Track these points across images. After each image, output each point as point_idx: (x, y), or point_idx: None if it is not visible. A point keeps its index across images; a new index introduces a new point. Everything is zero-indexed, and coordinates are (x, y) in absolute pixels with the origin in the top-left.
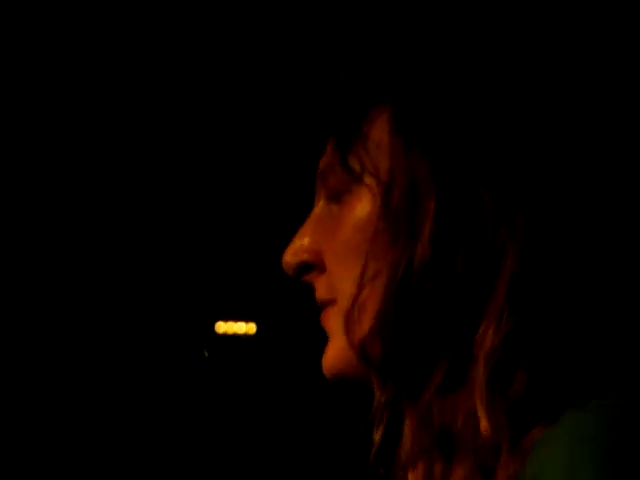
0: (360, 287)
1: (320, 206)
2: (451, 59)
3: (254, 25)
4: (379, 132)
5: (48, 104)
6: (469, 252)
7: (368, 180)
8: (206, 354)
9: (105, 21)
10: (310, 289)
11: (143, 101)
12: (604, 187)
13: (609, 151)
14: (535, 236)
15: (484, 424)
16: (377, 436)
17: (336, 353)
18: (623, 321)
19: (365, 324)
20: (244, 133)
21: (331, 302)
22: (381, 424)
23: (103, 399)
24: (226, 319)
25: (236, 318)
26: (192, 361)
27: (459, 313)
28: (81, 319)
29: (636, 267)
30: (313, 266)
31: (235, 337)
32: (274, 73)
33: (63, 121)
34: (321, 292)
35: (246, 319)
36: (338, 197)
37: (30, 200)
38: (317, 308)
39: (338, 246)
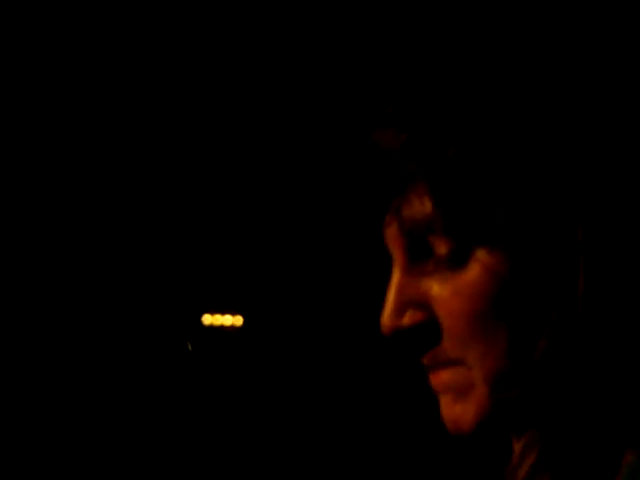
0: (491, 351)
1: (406, 261)
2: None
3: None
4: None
5: (43, 102)
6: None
7: (492, 239)
8: (190, 347)
9: (102, 20)
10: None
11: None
12: None
13: None
14: (601, 277)
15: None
16: (523, 474)
17: (477, 411)
18: None
19: (495, 386)
20: (224, 129)
21: (456, 362)
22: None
23: (89, 390)
24: (212, 311)
25: (223, 310)
26: (178, 354)
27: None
28: (66, 312)
29: None
30: (421, 327)
31: (221, 329)
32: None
33: (49, 117)
34: (442, 353)
35: (233, 311)
36: (441, 257)
37: (16, 193)
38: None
39: (468, 317)
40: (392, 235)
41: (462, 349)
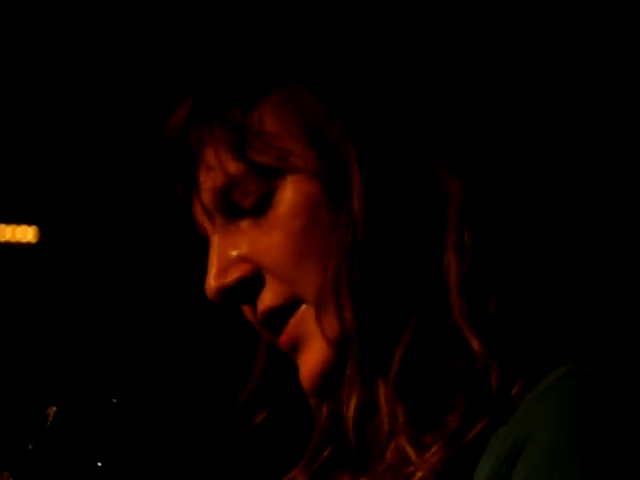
0: (323, 276)
1: (222, 222)
2: (361, 37)
3: None
4: (274, 119)
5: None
6: (410, 196)
7: (293, 167)
8: None
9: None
10: None
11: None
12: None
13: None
14: (474, 156)
15: (475, 343)
16: (351, 414)
17: (319, 356)
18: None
19: (339, 308)
20: None
21: (293, 306)
22: (354, 398)
23: None
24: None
25: (15, 221)
26: None
27: (421, 255)
28: None
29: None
30: (249, 281)
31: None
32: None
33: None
34: (274, 301)
35: (27, 222)
36: (250, 206)
37: None
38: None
39: (287, 249)
40: (199, 209)
41: (290, 284)
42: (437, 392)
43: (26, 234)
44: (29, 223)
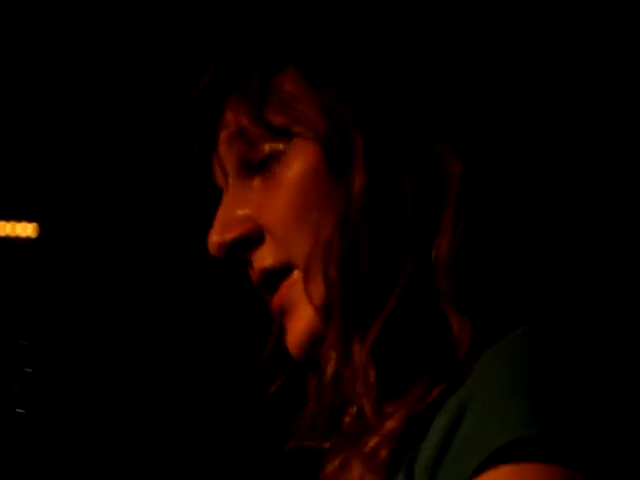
0: (315, 243)
1: (235, 179)
2: (346, 16)
3: None
4: (291, 87)
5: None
6: (411, 173)
7: (302, 132)
8: None
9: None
10: None
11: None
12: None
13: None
14: (473, 143)
15: (455, 323)
16: (328, 379)
17: (304, 323)
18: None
19: (326, 277)
20: None
21: (286, 271)
22: (331, 363)
23: None
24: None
25: (15, 218)
26: None
27: (414, 234)
28: None
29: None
30: (250, 240)
31: (12, 240)
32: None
33: None
34: (269, 262)
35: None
36: (260, 164)
37: None
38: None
39: (286, 212)
40: (217, 164)
41: (285, 247)
42: (409, 364)
43: (26, 231)
44: (29, 220)
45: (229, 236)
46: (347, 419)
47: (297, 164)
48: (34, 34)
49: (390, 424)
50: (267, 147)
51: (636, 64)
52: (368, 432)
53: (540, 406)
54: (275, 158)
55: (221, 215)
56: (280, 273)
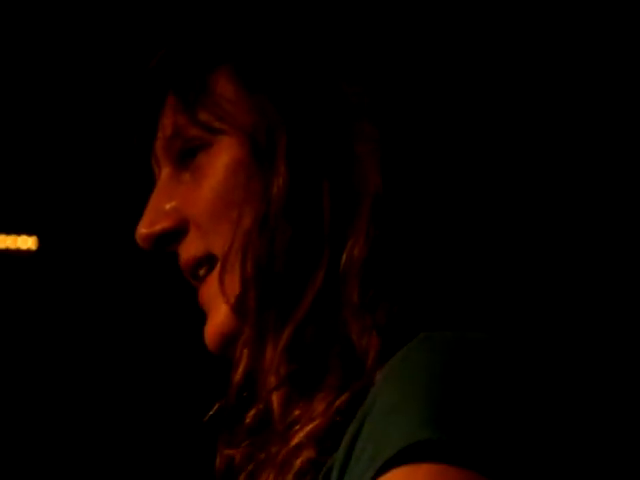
0: (235, 235)
1: (167, 174)
2: (274, 21)
3: None
4: (224, 87)
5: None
6: (329, 177)
7: (229, 129)
8: None
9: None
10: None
11: None
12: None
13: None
14: (394, 150)
15: (356, 329)
16: (238, 377)
17: (219, 318)
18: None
19: (242, 270)
20: None
21: (209, 261)
22: (241, 365)
23: None
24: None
25: (15, 231)
26: None
27: (328, 234)
28: None
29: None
30: (176, 232)
31: (12, 253)
32: None
33: None
34: (192, 252)
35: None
36: (190, 160)
37: None
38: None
39: (208, 202)
40: (154, 163)
41: (207, 239)
42: (318, 369)
43: (26, 243)
44: (29, 232)
45: (154, 229)
46: (251, 415)
47: (222, 157)
48: (33, 41)
49: (299, 432)
50: (198, 143)
51: (553, 63)
52: (277, 439)
53: (435, 409)
54: (204, 153)
55: (150, 208)
56: (203, 263)
